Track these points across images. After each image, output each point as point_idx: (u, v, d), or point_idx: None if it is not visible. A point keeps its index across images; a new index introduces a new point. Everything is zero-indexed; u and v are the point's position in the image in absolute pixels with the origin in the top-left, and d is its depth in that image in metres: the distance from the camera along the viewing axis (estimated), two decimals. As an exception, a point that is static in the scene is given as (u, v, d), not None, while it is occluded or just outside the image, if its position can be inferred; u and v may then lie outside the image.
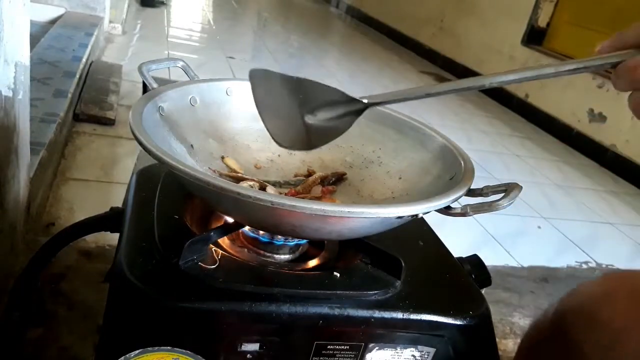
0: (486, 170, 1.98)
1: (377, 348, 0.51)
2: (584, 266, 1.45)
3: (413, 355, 0.53)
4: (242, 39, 3.42)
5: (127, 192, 0.66)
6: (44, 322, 0.79)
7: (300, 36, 3.85)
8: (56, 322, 0.80)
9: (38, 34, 1.89)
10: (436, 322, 0.51)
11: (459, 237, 1.36)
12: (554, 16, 2.93)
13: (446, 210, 0.47)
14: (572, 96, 2.64)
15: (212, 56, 2.67)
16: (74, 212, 1.12)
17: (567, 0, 2.87)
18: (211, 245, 0.52)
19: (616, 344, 0.43)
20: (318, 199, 0.61)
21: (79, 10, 2.38)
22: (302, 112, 0.52)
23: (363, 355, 0.51)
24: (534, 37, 2.98)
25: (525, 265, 1.37)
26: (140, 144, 0.46)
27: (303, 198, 0.54)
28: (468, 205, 0.47)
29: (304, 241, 0.58)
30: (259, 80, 0.52)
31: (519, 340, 0.58)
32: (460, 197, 0.48)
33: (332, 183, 0.66)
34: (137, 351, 0.38)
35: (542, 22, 2.97)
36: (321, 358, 0.50)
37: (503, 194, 0.46)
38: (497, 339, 0.58)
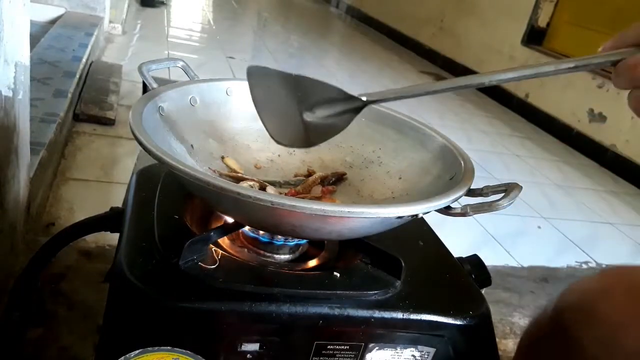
0: (486, 170, 1.98)
1: (377, 348, 0.51)
2: (584, 266, 1.45)
3: (413, 355, 0.53)
4: (242, 39, 3.42)
5: (127, 192, 0.66)
6: (44, 322, 0.79)
7: (300, 36, 3.85)
8: (56, 322, 0.80)
9: (38, 34, 1.89)
10: (436, 322, 0.51)
11: (459, 237, 1.36)
12: (554, 16, 2.93)
13: (446, 210, 0.47)
14: (572, 96, 2.64)
15: (212, 56, 2.67)
16: (74, 212, 1.12)
17: (567, 0, 2.87)
18: (211, 245, 0.52)
19: (614, 339, 0.44)
20: (318, 199, 0.61)
21: (79, 10, 2.38)
22: (301, 109, 0.52)
23: (363, 355, 0.51)
24: (534, 37, 2.98)
25: (525, 265, 1.37)
26: (140, 144, 0.46)
27: (303, 198, 0.54)
28: (468, 205, 0.47)
29: (304, 241, 0.58)
30: (257, 77, 0.52)
31: (519, 340, 0.58)
32: (460, 197, 0.48)
33: (332, 183, 0.66)
34: (137, 351, 0.38)
35: (542, 22, 2.97)
36: (321, 358, 0.50)
37: (503, 194, 0.46)
38: (497, 339, 0.58)
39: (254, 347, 0.48)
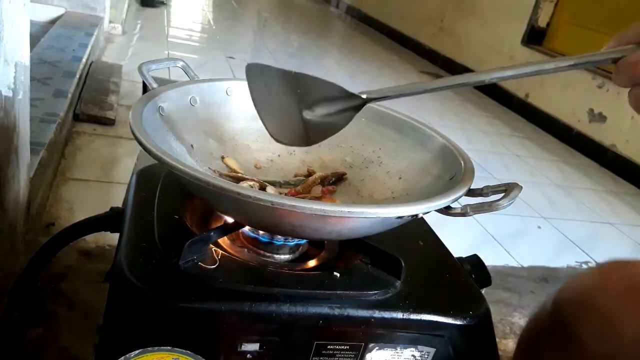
0: (486, 170, 1.98)
1: (377, 348, 0.51)
2: (584, 266, 1.45)
3: (413, 355, 0.53)
4: (242, 39, 3.42)
5: (127, 192, 0.66)
6: (44, 322, 0.79)
7: (300, 36, 3.85)
8: (56, 322, 0.80)
9: (38, 34, 1.89)
10: (436, 322, 0.51)
11: (459, 237, 1.36)
12: (554, 16, 2.93)
13: (446, 210, 0.47)
14: (572, 96, 2.64)
15: (212, 56, 2.67)
16: (74, 212, 1.12)
17: (567, 0, 2.87)
18: (211, 245, 0.52)
19: (612, 332, 0.44)
20: (318, 199, 0.61)
21: (79, 10, 2.38)
22: (301, 107, 0.51)
23: (363, 355, 0.51)
24: (534, 37, 2.98)
25: (525, 265, 1.37)
26: (140, 144, 0.46)
27: (303, 198, 0.54)
28: (468, 205, 0.47)
29: (304, 241, 0.58)
30: (256, 75, 0.51)
31: (518, 338, 0.58)
32: (460, 197, 0.48)
33: (332, 183, 0.66)
34: (137, 351, 0.38)
35: (542, 22, 2.97)
36: (321, 358, 0.50)
37: (503, 194, 0.46)
38: (497, 339, 0.58)
39: (254, 347, 0.48)
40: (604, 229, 1.73)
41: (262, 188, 0.60)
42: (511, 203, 0.45)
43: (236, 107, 0.67)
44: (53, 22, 2.22)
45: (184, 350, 0.39)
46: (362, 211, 0.43)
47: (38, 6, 2.24)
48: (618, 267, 0.47)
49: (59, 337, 0.78)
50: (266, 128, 0.51)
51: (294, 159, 0.70)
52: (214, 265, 0.49)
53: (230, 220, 0.55)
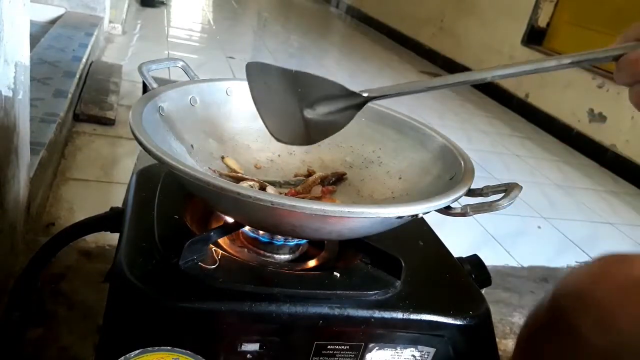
0: (486, 170, 1.98)
1: (377, 348, 0.51)
2: (584, 266, 1.45)
3: (413, 355, 0.53)
4: (242, 39, 3.42)
5: (127, 192, 0.66)
6: (44, 322, 0.79)
7: (300, 36, 3.85)
8: (56, 322, 0.80)
9: (38, 34, 1.89)
10: (436, 322, 0.51)
11: (459, 237, 1.36)
12: (554, 16, 2.93)
13: (446, 210, 0.47)
14: (572, 96, 2.64)
15: (212, 56, 2.67)
16: (74, 212, 1.12)
17: (567, 0, 2.87)
18: (211, 245, 0.52)
19: (611, 322, 0.44)
20: (318, 199, 0.61)
21: (79, 10, 2.38)
22: (301, 106, 0.51)
23: (363, 355, 0.51)
24: (534, 37, 2.98)
25: (525, 265, 1.37)
26: (140, 144, 0.46)
27: (303, 198, 0.54)
28: (468, 205, 0.47)
29: (304, 241, 0.58)
30: (256, 74, 0.51)
31: (517, 334, 0.58)
32: (460, 197, 0.48)
33: (332, 183, 0.66)
34: (137, 351, 0.38)
35: (542, 22, 2.97)
36: (321, 358, 0.50)
37: (503, 194, 0.46)
38: (497, 339, 0.58)
39: (254, 347, 0.48)
40: (604, 229, 1.73)
41: (262, 188, 0.60)
42: (511, 203, 0.45)
43: (236, 107, 0.67)
44: (53, 22, 2.22)
45: (184, 350, 0.39)
46: (362, 211, 0.43)
47: (38, 6, 2.24)
48: (616, 260, 0.48)
49: (59, 337, 0.78)
50: (266, 127, 0.51)
51: (294, 159, 0.70)
52: (214, 265, 0.49)
53: (230, 220, 0.55)
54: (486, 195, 0.50)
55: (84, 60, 1.72)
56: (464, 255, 0.65)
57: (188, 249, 0.48)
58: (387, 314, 0.50)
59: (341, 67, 3.28)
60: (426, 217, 0.54)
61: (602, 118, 2.47)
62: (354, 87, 0.52)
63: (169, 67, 0.65)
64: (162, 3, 3.67)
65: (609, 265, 0.47)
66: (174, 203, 0.58)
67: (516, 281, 1.28)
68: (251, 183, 0.60)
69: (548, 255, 1.46)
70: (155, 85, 0.60)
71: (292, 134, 0.52)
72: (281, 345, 0.49)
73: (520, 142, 2.46)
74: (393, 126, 0.68)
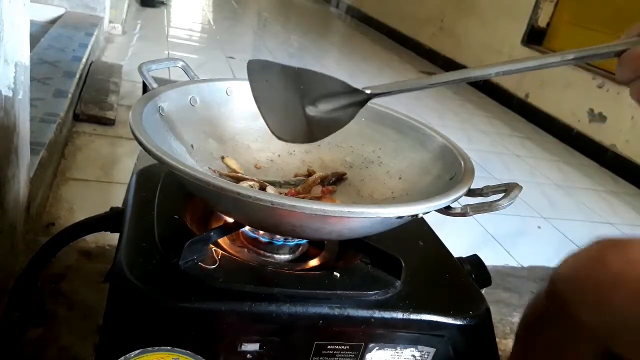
0: (486, 170, 1.98)
1: (377, 348, 0.51)
2: (584, 266, 1.45)
3: (413, 355, 0.53)
4: (242, 39, 3.42)
5: (127, 192, 0.66)
6: (44, 322, 0.79)
7: (300, 36, 3.85)
8: (56, 322, 0.80)
9: (38, 34, 1.89)
10: (436, 322, 0.51)
11: (459, 237, 1.36)
12: (554, 16, 2.93)
13: (446, 210, 0.47)
14: (572, 96, 2.64)
15: (212, 56, 2.67)
16: (74, 212, 1.12)
17: (567, 0, 2.87)
18: (211, 245, 0.52)
19: (606, 301, 0.44)
20: (318, 199, 0.61)
21: (79, 10, 2.38)
22: (303, 103, 0.51)
23: (363, 355, 0.51)
24: (534, 37, 2.98)
25: (525, 265, 1.37)
26: (140, 144, 0.46)
27: (303, 198, 0.54)
28: (468, 205, 0.47)
29: (304, 241, 0.58)
30: (258, 71, 0.51)
31: (516, 328, 0.58)
32: (460, 197, 0.48)
33: (332, 183, 0.66)
34: (137, 351, 0.38)
35: (542, 22, 2.97)
36: (321, 358, 0.50)
37: (503, 194, 0.46)
38: (497, 339, 0.58)
39: (254, 347, 0.48)
40: (604, 229, 1.72)
41: (262, 188, 0.60)
42: (511, 203, 0.45)
43: (236, 107, 0.67)
44: (53, 22, 2.22)
45: (184, 350, 0.39)
46: (362, 211, 0.43)
47: (38, 6, 2.24)
48: (612, 245, 0.48)
49: (59, 337, 0.78)
50: (267, 125, 0.51)
51: (294, 159, 0.70)
52: (214, 265, 0.49)
53: (230, 220, 0.55)
54: (486, 195, 0.50)
55: (84, 60, 1.73)
56: (464, 255, 0.65)
57: (188, 249, 0.48)
58: (387, 314, 0.50)
59: (341, 67, 3.28)
60: (426, 217, 0.54)
61: (602, 118, 2.47)
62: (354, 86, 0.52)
63: (169, 67, 0.65)
64: (162, 3, 3.67)
65: (604, 250, 0.48)
66: (174, 203, 0.58)
67: (516, 281, 1.28)
68: (251, 183, 0.60)
69: (548, 255, 1.46)
70: (155, 85, 0.60)
71: (293, 132, 0.51)
72: (281, 345, 0.49)
73: (520, 142, 2.46)
74: (393, 126, 0.68)
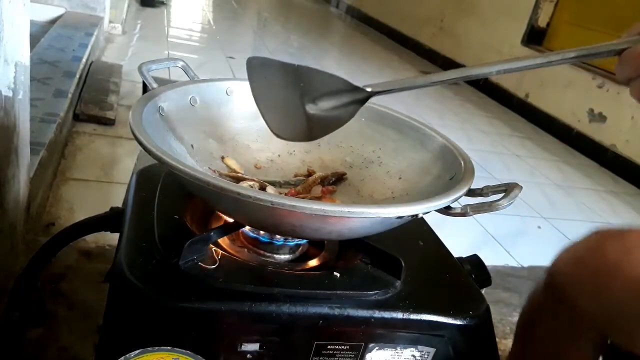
0: (486, 170, 1.98)
1: (377, 348, 0.51)
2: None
3: (413, 355, 0.53)
4: (242, 39, 3.42)
5: (127, 192, 0.66)
6: (44, 322, 0.79)
7: (300, 36, 3.85)
8: (56, 322, 0.80)
9: (38, 34, 1.89)
10: (436, 322, 0.51)
11: (459, 237, 1.36)
12: (554, 16, 2.93)
13: (446, 210, 0.47)
14: (572, 96, 2.64)
15: (212, 56, 2.67)
16: (74, 212, 1.12)
17: (567, 0, 2.87)
18: (211, 245, 0.52)
19: (605, 290, 0.45)
20: (318, 199, 0.61)
21: (79, 10, 2.38)
22: (303, 101, 0.51)
23: (363, 355, 0.51)
24: (534, 37, 2.98)
25: (525, 265, 1.37)
26: (140, 144, 0.46)
27: (303, 198, 0.54)
28: (468, 205, 0.47)
29: (304, 241, 0.58)
30: (257, 69, 0.51)
31: (516, 322, 0.59)
32: (460, 197, 0.48)
33: (332, 183, 0.66)
34: (137, 351, 0.38)
35: (542, 22, 2.97)
36: (321, 358, 0.50)
37: (503, 194, 0.46)
38: (497, 339, 0.58)
39: (254, 347, 0.48)
40: (604, 229, 1.72)
41: (262, 188, 0.60)
42: (511, 203, 0.45)
43: (236, 107, 0.67)
44: (53, 22, 2.22)
45: (184, 350, 0.39)
46: (362, 211, 0.43)
47: (38, 6, 2.24)
48: (610, 234, 0.48)
49: (59, 337, 0.78)
50: (267, 123, 0.50)
51: (294, 159, 0.70)
52: (214, 265, 0.49)
53: (230, 220, 0.55)
54: (486, 195, 0.50)
55: (84, 60, 1.73)
56: (464, 255, 0.65)
57: (188, 249, 0.48)
58: (387, 314, 0.50)
59: (341, 67, 3.28)
60: (426, 217, 0.54)
61: (602, 118, 2.47)
62: (354, 87, 0.52)
63: (169, 67, 0.65)
64: (162, 3, 3.67)
65: (603, 239, 0.48)
66: (174, 203, 0.58)
67: (516, 281, 1.28)
68: (251, 183, 0.60)
69: (548, 255, 1.44)
70: (155, 85, 0.60)
71: (293, 130, 0.51)
72: (281, 345, 0.49)
73: (520, 142, 2.46)
74: (393, 126, 0.68)
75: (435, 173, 0.60)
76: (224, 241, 0.56)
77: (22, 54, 0.79)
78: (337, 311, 0.49)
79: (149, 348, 0.39)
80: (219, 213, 0.60)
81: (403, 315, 0.50)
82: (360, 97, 0.50)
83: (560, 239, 1.58)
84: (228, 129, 0.67)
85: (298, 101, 0.51)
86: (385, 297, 0.51)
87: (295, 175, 0.67)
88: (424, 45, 3.94)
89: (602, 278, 0.45)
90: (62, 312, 0.82)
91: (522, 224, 1.61)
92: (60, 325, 0.80)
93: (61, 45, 1.82)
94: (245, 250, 0.56)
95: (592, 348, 0.50)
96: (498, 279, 1.25)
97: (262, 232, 0.56)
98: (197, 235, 0.50)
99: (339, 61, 3.48)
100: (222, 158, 0.65)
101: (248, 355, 0.48)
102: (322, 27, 4.79)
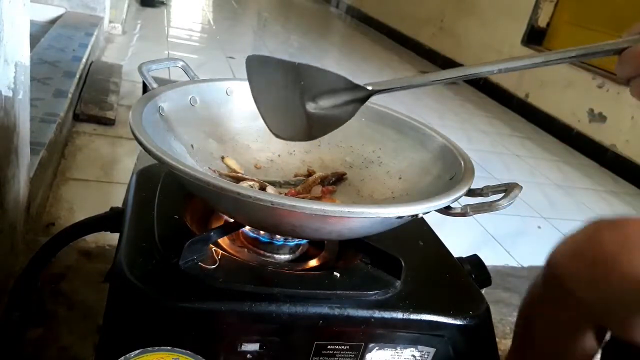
0: (486, 170, 1.98)
1: (377, 348, 0.51)
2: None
3: (413, 355, 0.53)
4: (242, 39, 3.42)
5: (127, 192, 0.66)
6: (44, 322, 0.79)
7: (300, 36, 3.85)
8: (56, 322, 0.80)
9: (38, 34, 1.89)
10: (436, 322, 0.51)
11: (459, 237, 1.36)
12: (554, 16, 2.93)
13: (446, 210, 0.47)
14: (572, 96, 2.63)
15: (212, 56, 2.67)
16: (74, 212, 1.12)
17: (567, 0, 2.87)
18: (211, 245, 0.52)
19: (603, 279, 0.45)
20: (318, 199, 0.61)
21: (79, 10, 2.38)
22: (303, 100, 0.50)
23: (363, 355, 0.51)
24: (534, 37, 2.98)
25: (525, 265, 1.37)
26: (140, 144, 0.46)
27: (303, 198, 0.54)
28: (468, 205, 0.47)
29: (304, 241, 0.58)
30: (257, 68, 0.50)
31: (516, 317, 0.59)
32: (460, 197, 0.48)
33: (332, 183, 0.66)
34: (137, 351, 0.38)
35: (542, 22, 2.97)
36: (321, 358, 0.50)
37: (503, 194, 0.46)
38: (497, 339, 0.58)
39: (254, 347, 0.48)
40: (604, 229, 1.72)
41: (262, 188, 0.60)
42: (511, 203, 0.45)
43: (236, 107, 0.67)
44: (53, 22, 2.22)
45: (184, 350, 0.39)
46: (362, 211, 0.43)
47: (38, 6, 2.24)
48: (608, 224, 0.48)
49: (59, 337, 0.78)
50: (266, 123, 0.50)
51: (294, 159, 0.70)
52: (214, 265, 0.49)
53: (230, 220, 0.55)
54: (486, 195, 0.50)
55: (84, 60, 1.72)
56: (464, 255, 0.65)
57: (188, 249, 0.48)
58: (387, 314, 0.50)
59: (341, 67, 3.28)
60: (426, 217, 0.54)
61: (602, 118, 2.47)
62: (354, 87, 0.52)
63: (169, 67, 0.65)
64: (162, 3, 3.67)
65: (601, 229, 0.48)
66: (174, 203, 0.58)
67: (516, 281, 1.28)
68: (251, 183, 0.60)
69: (548, 255, 1.45)
70: (155, 85, 0.60)
71: (292, 130, 0.51)
72: (281, 345, 0.49)
73: (520, 142, 2.46)
74: (393, 126, 0.68)
75: (435, 173, 0.60)
76: (224, 241, 0.56)
77: (22, 54, 0.79)
78: (337, 311, 0.49)
79: (149, 348, 0.39)
80: (219, 213, 0.60)
81: (403, 315, 0.50)
82: (361, 96, 0.50)
83: (560, 238, 1.58)
84: (228, 129, 0.67)
85: (298, 100, 0.50)
86: (385, 297, 0.51)
87: (295, 175, 0.67)
88: (424, 45, 3.94)
89: (599, 268, 0.45)
90: (62, 312, 0.82)
91: (522, 224, 1.61)
92: (60, 325, 0.80)
93: (61, 45, 1.82)
94: (245, 250, 0.56)
95: (591, 338, 0.50)
96: (498, 279, 1.25)
97: (262, 232, 0.56)
98: (197, 235, 0.50)
99: (339, 61, 3.48)
100: (222, 158, 0.65)
101: (248, 355, 0.48)
102: (322, 27, 4.79)
